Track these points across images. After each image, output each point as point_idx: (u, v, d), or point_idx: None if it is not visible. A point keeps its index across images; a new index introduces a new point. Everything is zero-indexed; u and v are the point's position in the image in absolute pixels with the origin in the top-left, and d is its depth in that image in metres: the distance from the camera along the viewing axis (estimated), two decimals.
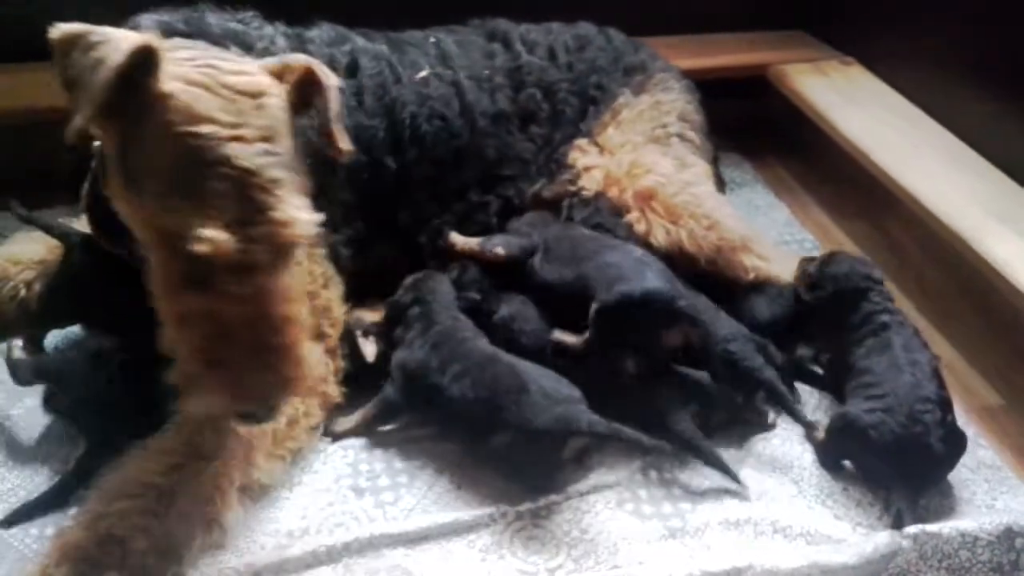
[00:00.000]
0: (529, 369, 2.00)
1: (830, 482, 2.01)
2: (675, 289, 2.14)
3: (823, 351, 2.34)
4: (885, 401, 1.96)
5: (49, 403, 2.07)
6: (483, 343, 2.10)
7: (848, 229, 3.15)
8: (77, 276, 2.12)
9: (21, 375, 2.08)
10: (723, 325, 2.18)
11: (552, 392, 1.94)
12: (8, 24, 2.94)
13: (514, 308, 2.24)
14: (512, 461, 1.99)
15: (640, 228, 2.44)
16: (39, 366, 2.10)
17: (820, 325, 2.30)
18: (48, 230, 2.20)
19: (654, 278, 2.12)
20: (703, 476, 2.01)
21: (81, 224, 2.19)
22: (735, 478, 1.97)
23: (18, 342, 2.15)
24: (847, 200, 3.22)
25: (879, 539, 1.82)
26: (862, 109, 3.13)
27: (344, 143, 1.79)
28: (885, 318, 2.15)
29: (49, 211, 2.56)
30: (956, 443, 1.97)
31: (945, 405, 1.98)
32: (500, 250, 2.35)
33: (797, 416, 2.13)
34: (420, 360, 2.06)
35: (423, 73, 2.47)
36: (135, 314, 1.96)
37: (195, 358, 1.58)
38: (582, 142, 2.65)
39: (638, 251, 2.26)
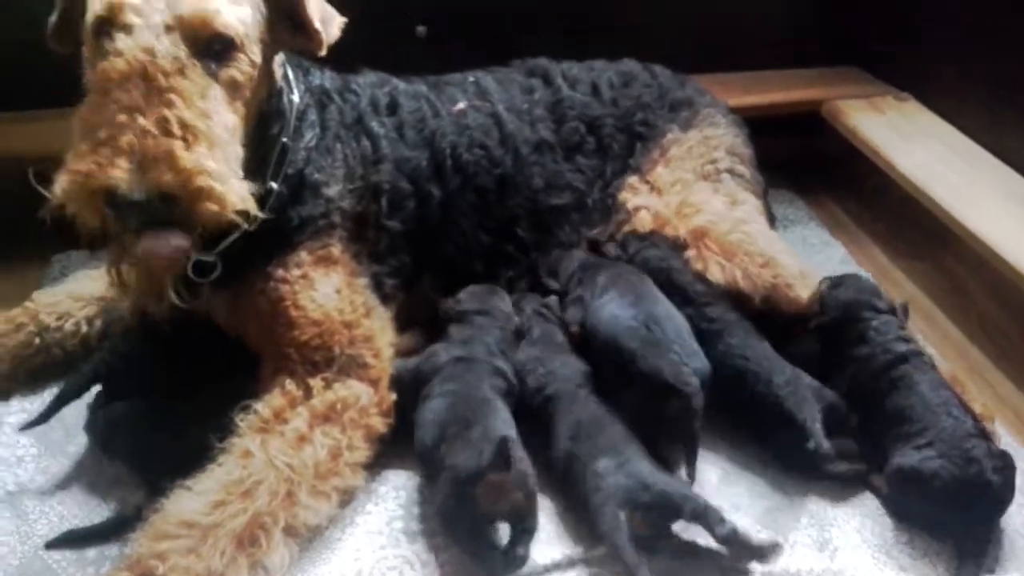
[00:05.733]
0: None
1: (895, 532, 1.95)
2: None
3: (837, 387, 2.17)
4: (937, 447, 1.91)
5: (108, 447, 2.07)
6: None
7: (906, 268, 3.09)
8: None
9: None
10: (779, 371, 2.10)
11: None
12: None
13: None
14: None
15: (697, 266, 2.41)
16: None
17: (831, 356, 2.22)
18: None
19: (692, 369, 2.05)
20: (764, 525, 1.96)
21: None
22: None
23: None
24: (904, 238, 3.16)
25: None
26: (919, 146, 3.07)
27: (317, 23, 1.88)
28: (901, 348, 2.10)
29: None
30: (1007, 467, 1.91)
31: (984, 434, 1.96)
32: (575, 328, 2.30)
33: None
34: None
35: (460, 105, 2.49)
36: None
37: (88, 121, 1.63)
38: (633, 180, 2.64)
39: (678, 319, 2.21)
